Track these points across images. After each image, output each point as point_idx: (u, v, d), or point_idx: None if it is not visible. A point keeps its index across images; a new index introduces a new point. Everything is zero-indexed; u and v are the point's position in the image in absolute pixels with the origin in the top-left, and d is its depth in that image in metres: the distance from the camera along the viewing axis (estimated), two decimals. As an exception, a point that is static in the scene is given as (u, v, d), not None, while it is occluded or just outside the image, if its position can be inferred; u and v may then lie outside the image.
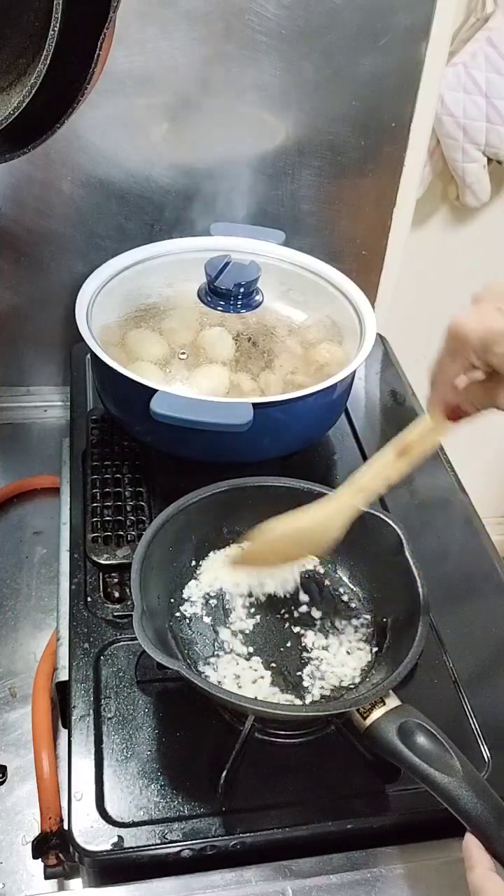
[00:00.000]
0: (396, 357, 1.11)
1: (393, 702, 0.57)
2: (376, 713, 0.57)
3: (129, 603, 0.72)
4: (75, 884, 0.63)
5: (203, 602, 0.70)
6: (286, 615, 0.70)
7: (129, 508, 0.81)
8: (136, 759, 0.61)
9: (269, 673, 0.64)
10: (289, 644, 0.67)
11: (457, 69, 1.12)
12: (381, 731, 0.56)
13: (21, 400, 1.11)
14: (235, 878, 0.57)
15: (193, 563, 0.72)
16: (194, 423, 0.72)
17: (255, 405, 0.73)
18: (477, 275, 1.48)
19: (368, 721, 0.57)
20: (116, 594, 0.73)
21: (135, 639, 0.58)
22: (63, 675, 0.68)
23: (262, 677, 0.64)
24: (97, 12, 0.56)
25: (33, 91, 0.56)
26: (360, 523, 0.70)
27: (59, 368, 1.11)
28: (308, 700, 0.63)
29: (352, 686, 0.64)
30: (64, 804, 0.62)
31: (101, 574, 0.75)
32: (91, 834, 0.56)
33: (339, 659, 0.66)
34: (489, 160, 1.21)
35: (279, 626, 0.69)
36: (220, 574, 0.71)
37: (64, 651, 0.70)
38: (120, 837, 0.56)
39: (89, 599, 0.72)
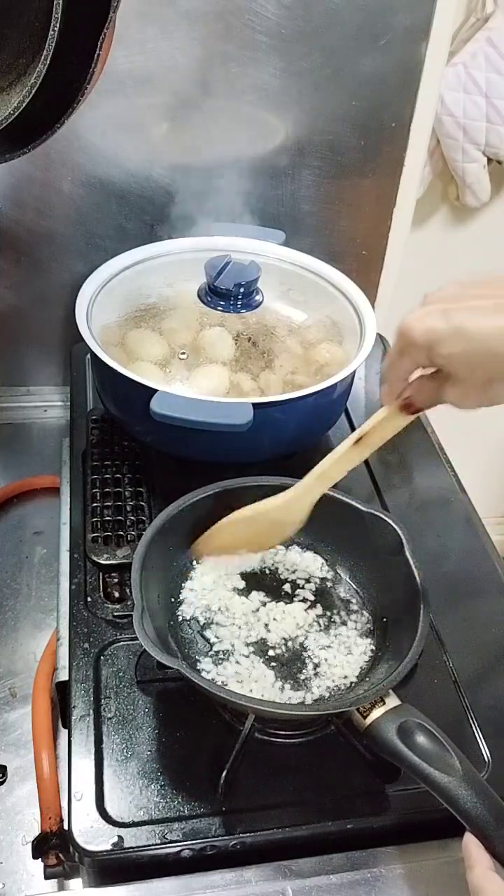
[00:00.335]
0: (396, 357, 1.11)
1: (393, 701, 0.57)
2: (376, 713, 0.57)
3: (129, 603, 0.72)
4: (75, 884, 0.63)
5: (203, 601, 0.70)
6: (286, 615, 0.70)
7: (129, 508, 0.81)
8: (136, 759, 0.61)
9: (269, 673, 0.64)
10: (289, 643, 0.67)
11: (457, 69, 1.12)
12: (380, 731, 0.56)
13: (21, 400, 1.11)
14: (235, 878, 0.57)
15: (193, 562, 0.72)
16: (194, 423, 0.72)
17: (255, 405, 0.73)
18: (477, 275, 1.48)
19: (368, 721, 0.57)
20: (116, 594, 0.73)
21: (135, 639, 0.58)
22: (63, 675, 0.68)
23: (263, 677, 0.64)
24: (97, 12, 0.56)
25: (33, 91, 0.56)
26: (360, 523, 0.71)
27: (59, 368, 1.11)
28: (308, 700, 0.63)
29: (352, 686, 0.64)
30: (64, 804, 0.62)
31: (101, 574, 0.75)
32: (91, 834, 0.56)
33: (339, 658, 0.66)
34: (489, 160, 1.21)
35: (279, 625, 0.69)
36: (204, 581, 0.72)
37: (64, 651, 0.70)
38: (120, 837, 0.56)
39: (89, 599, 0.72)
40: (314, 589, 0.72)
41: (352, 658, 0.66)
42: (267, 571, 0.73)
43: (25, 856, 0.65)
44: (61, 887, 0.64)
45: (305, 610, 0.70)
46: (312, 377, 0.84)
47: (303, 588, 0.72)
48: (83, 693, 0.65)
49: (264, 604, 0.70)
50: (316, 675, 0.65)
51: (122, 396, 0.84)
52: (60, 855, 0.62)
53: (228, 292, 0.87)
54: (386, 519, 0.69)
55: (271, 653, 0.66)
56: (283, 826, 0.58)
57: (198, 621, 0.68)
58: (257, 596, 0.71)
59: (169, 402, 0.72)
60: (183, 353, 0.85)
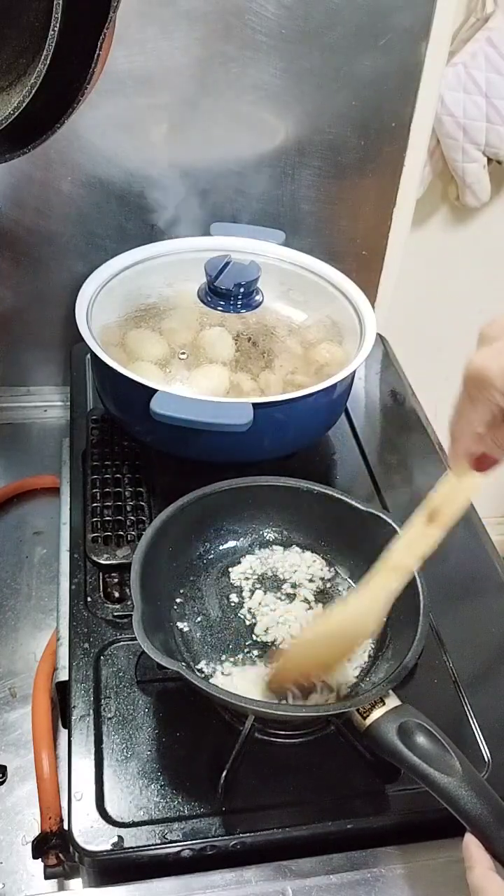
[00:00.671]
0: (396, 357, 1.11)
1: (393, 701, 0.57)
2: (376, 713, 0.57)
3: (129, 603, 0.72)
4: (75, 884, 0.63)
5: (203, 601, 0.70)
6: (287, 615, 0.70)
7: (129, 508, 0.81)
8: (136, 759, 0.61)
9: (269, 672, 0.64)
10: (289, 644, 0.67)
11: (457, 69, 1.12)
12: (381, 731, 0.56)
13: (21, 400, 1.11)
14: (235, 878, 0.57)
15: (194, 562, 0.72)
16: (194, 423, 0.72)
17: (255, 405, 0.73)
18: (477, 275, 1.49)
19: (368, 721, 0.57)
20: (116, 594, 0.73)
21: (135, 639, 0.58)
22: (63, 675, 0.68)
23: (263, 677, 0.64)
24: (97, 12, 0.56)
25: (33, 91, 0.56)
26: (360, 523, 0.71)
27: (59, 368, 1.11)
28: (308, 700, 0.63)
29: (351, 686, 0.64)
30: (64, 804, 0.62)
31: (101, 574, 0.75)
32: (91, 834, 0.56)
33: (339, 659, 0.66)
34: (489, 160, 1.21)
35: (280, 626, 0.69)
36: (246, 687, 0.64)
37: (64, 651, 0.70)
38: (120, 837, 0.56)
39: (89, 599, 0.72)
40: (315, 589, 0.72)
41: (352, 658, 0.66)
42: (267, 572, 0.73)
43: (25, 856, 0.65)
44: (61, 887, 0.64)
45: (306, 610, 0.70)
46: (312, 377, 0.84)
47: (303, 588, 0.72)
48: (83, 693, 0.65)
49: (265, 604, 0.70)
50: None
51: (122, 396, 0.84)
52: (60, 855, 0.62)
53: (228, 292, 0.87)
54: (386, 519, 0.69)
55: (272, 653, 0.66)
56: (283, 826, 0.58)
57: (198, 621, 0.68)
58: (258, 596, 0.71)
59: (169, 402, 0.72)
60: (183, 353, 0.85)
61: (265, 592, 0.71)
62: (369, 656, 0.66)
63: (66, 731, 0.65)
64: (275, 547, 0.75)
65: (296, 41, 0.89)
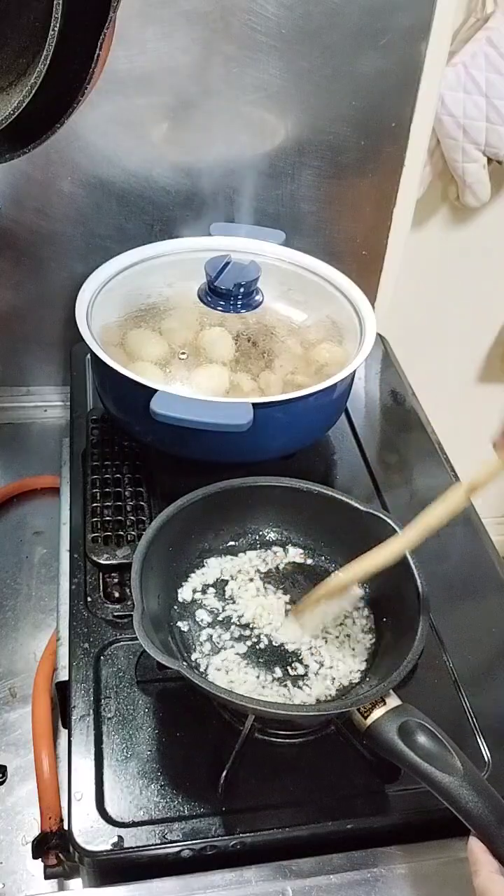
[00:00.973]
0: (396, 357, 1.11)
1: (393, 701, 0.57)
2: (377, 713, 0.57)
3: (129, 603, 0.72)
4: (75, 884, 0.63)
5: (203, 601, 0.70)
6: (287, 615, 0.70)
7: (129, 508, 0.81)
8: (136, 759, 0.61)
9: (269, 673, 0.64)
10: (289, 644, 0.67)
11: (457, 69, 1.12)
12: (381, 731, 0.56)
13: (21, 400, 1.11)
14: (235, 878, 0.57)
15: (194, 562, 0.72)
16: (194, 423, 0.72)
17: (255, 405, 0.73)
18: (477, 275, 1.49)
19: (369, 721, 0.57)
20: (116, 594, 0.73)
21: (135, 639, 0.58)
22: (63, 675, 0.68)
23: (263, 677, 0.64)
24: (97, 12, 0.56)
25: (33, 91, 0.56)
26: (360, 523, 0.71)
27: (59, 368, 1.11)
28: (309, 700, 0.63)
29: (352, 686, 0.64)
30: (64, 804, 0.62)
31: (101, 574, 0.75)
32: (91, 834, 0.56)
33: (339, 659, 0.66)
34: (489, 160, 1.21)
35: (280, 626, 0.69)
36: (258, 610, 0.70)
37: (64, 651, 0.70)
38: (120, 837, 0.56)
39: (89, 599, 0.72)
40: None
41: (352, 658, 0.66)
42: (268, 572, 0.73)
43: (25, 856, 0.65)
44: (61, 887, 0.64)
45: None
46: (312, 377, 0.84)
47: (303, 588, 0.72)
48: (83, 693, 0.65)
49: (264, 605, 0.70)
50: (316, 675, 0.65)
51: (122, 396, 0.84)
52: (60, 855, 0.62)
53: (228, 292, 0.87)
54: (386, 519, 0.69)
55: (272, 653, 0.66)
56: (283, 826, 0.58)
57: (198, 621, 0.68)
58: (252, 590, 0.71)
59: (169, 402, 0.72)
60: (183, 353, 0.85)
61: (266, 593, 0.71)
62: (370, 656, 0.66)
63: (66, 731, 0.65)
64: (275, 548, 0.75)
65: (296, 41, 0.89)
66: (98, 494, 0.82)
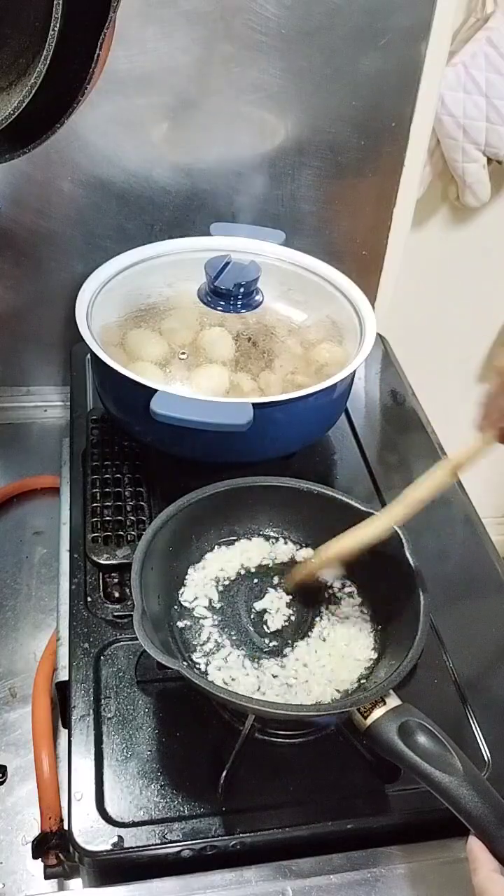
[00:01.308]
0: (396, 357, 1.11)
1: (393, 701, 0.57)
2: (377, 713, 0.56)
3: (129, 603, 0.72)
4: (75, 884, 0.63)
5: (203, 602, 0.70)
6: (287, 615, 0.70)
7: (129, 508, 0.81)
8: (136, 759, 0.61)
9: (269, 673, 0.64)
10: (289, 644, 0.67)
11: (457, 69, 1.12)
12: (381, 731, 0.56)
13: (21, 400, 1.11)
14: (235, 878, 0.57)
15: (194, 562, 0.72)
16: (194, 423, 0.72)
17: (255, 405, 0.73)
18: (477, 275, 1.48)
19: (369, 721, 0.57)
20: (116, 594, 0.73)
21: (135, 639, 0.58)
22: (63, 675, 0.68)
23: (263, 677, 0.64)
24: (97, 12, 0.56)
25: (33, 91, 0.56)
26: (360, 523, 0.71)
27: (59, 368, 1.11)
28: (308, 700, 0.63)
29: (352, 686, 0.64)
30: (64, 804, 0.62)
31: (101, 574, 0.75)
32: (91, 834, 0.56)
33: (339, 658, 0.66)
34: (489, 160, 1.21)
35: (280, 626, 0.69)
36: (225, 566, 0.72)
37: (64, 651, 0.70)
38: (120, 837, 0.56)
39: (89, 599, 0.72)
40: (314, 589, 0.72)
41: (352, 658, 0.66)
42: (268, 572, 0.73)
43: (25, 856, 0.65)
44: (61, 887, 0.64)
45: (306, 610, 0.70)
46: (312, 377, 0.84)
47: (303, 588, 0.72)
48: (83, 693, 0.65)
49: (265, 605, 0.70)
50: (316, 675, 0.65)
51: (122, 396, 0.84)
52: (60, 855, 0.62)
53: (228, 292, 0.87)
54: (386, 519, 0.69)
55: (272, 653, 0.66)
56: (283, 826, 0.58)
57: (198, 621, 0.68)
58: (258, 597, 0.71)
59: (169, 402, 0.72)
60: (183, 353, 0.85)
61: (265, 593, 0.71)
62: (370, 656, 0.66)
63: (66, 731, 0.65)
64: (275, 548, 0.75)
65: (296, 41, 0.89)
66: (98, 494, 0.82)
